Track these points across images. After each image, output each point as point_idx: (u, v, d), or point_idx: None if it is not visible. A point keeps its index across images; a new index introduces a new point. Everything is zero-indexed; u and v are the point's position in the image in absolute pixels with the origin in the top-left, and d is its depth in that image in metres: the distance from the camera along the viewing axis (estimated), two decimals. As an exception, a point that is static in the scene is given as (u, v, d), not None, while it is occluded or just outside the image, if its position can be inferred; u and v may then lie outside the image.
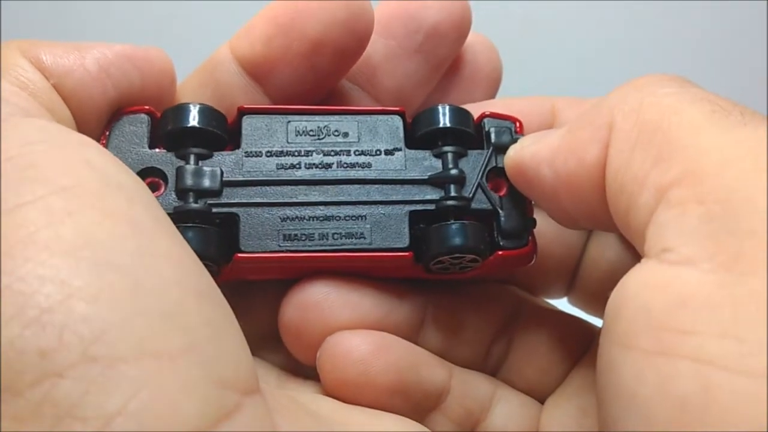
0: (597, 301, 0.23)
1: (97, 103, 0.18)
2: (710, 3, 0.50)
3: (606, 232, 0.22)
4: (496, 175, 0.20)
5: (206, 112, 0.19)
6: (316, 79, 0.20)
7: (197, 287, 0.14)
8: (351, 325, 0.19)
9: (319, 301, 0.19)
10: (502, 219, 0.20)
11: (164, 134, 0.19)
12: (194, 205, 0.18)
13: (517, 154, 0.19)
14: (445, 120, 0.20)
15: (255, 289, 0.21)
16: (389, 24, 0.21)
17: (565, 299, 0.24)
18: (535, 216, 0.20)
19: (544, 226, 0.20)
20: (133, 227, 0.14)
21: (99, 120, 0.19)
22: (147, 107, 0.19)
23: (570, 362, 0.22)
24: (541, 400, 0.22)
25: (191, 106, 0.19)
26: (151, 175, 0.19)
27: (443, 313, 0.21)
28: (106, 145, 0.19)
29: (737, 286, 0.12)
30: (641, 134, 0.15)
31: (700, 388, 0.12)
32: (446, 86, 0.23)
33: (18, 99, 0.16)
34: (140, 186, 0.15)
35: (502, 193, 0.20)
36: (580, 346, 0.22)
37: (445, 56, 0.22)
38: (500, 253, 0.19)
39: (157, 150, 0.19)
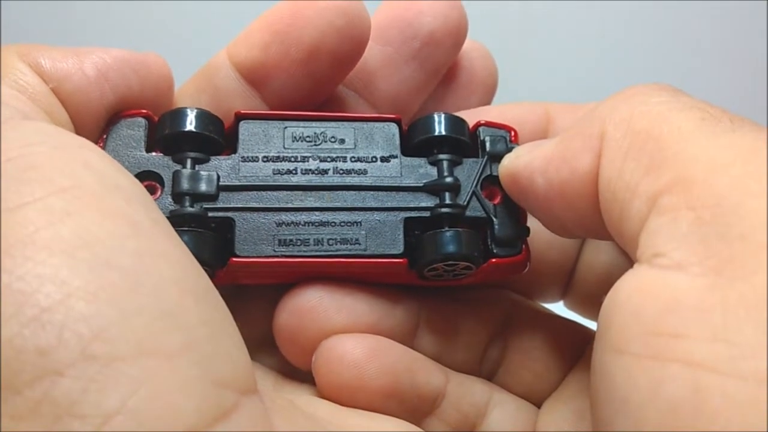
0: (592, 304, 0.23)
1: (95, 107, 0.18)
2: (710, 3, 0.50)
3: (598, 240, 0.22)
4: (491, 183, 0.20)
5: (203, 116, 0.19)
6: (313, 85, 0.20)
7: (195, 287, 0.14)
8: (345, 330, 0.19)
9: (314, 306, 0.19)
10: (496, 227, 0.20)
11: (161, 138, 0.19)
12: (190, 209, 0.18)
13: (511, 163, 0.19)
14: (440, 128, 0.20)
15: (251, 294, 0.21)
16: (386, 30, 0.21)
17: (560, 303, 0.24)
18: (530, 222, 0.20)
19: (540, 230, 0.20)
20: (132, 227, 0.14)
21: (97, 123, 0.19)
22: (144, 111, 0.19)
23: (566, 366, 0.22)
24: (538, 404, 0.22)
25: (188, 111, 0.19)
26: (147, 179, 0.19)
27: (437, 317, 0.21)
28: (103, 148, 0.19)
29: (727, 289, 0.12)
30: (633, 143, 0.15)
31: (691, 392, 0.12)
32: (443, 93, 0.23)
33: (17, 102, 0.16)
34: (138, 187, 0.15)
35: (496, 202, 0.20)
36: (576, 350, 0.22)
37: (442, 63, 0.22)
38: (493, 260, 0.20)
39: (154, 153, 0.19)
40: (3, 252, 0.12)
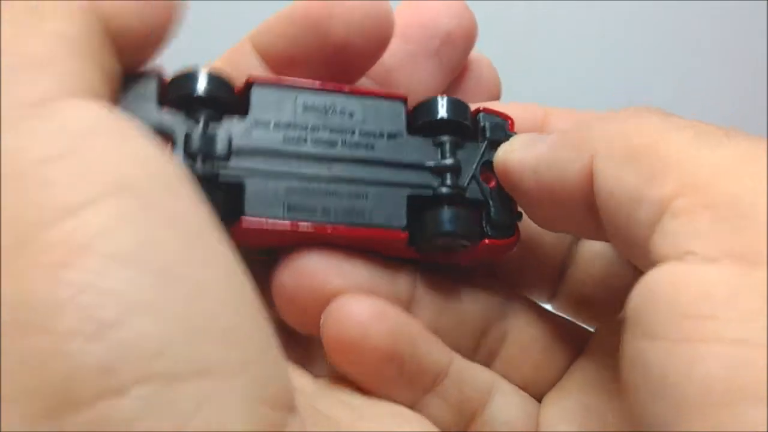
0: (583, 304, 0.23)
1: (137, 33, 0.17)
2: (710, 3, 0.51)
3: (584, 238, 0.22)
4: (488, 168, 0.21)
5: (216, 78, 0.19)
6: (336, 77, 0.21)
7: (246, 299, 0.14)
8: (344, 293, 0.19)
9: (313, 268, 0.19)
10: (492, 210, 0.21)
11: (173, 99, 0.19)
12: (202, 169, 0.18)
13: (505, 155, 0.20)
14: (443, 111, 0.21)
15: (265, 281, 0.21)
16: (408, 29, 0.22)
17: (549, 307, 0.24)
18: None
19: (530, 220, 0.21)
20: (187, 232, 0.13)
21: (142, 57, 0.18)
22: (155, 69, 0.19)
23: (565, 361, 0.22)
24: (535, 397, 0.22)
25: (201, 72, 0.19)
26: (159, 137, 0.18)
27: (434, 296, 0.21)
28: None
29: (752, 276, 0.13)
30: (630, 156, 0.16)
31: (725, 368, 0.12)
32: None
33: (62, 57, 0.14)
34: (185, 182, 0.14)
35: (492, 185, 0.21)
36: (574, 346, 0.22)
37: (456, 62, 0.23)
38: (487, 241, 0.20)
39: (166, 111, 0.19)
40: (62, 263, 0.12)
